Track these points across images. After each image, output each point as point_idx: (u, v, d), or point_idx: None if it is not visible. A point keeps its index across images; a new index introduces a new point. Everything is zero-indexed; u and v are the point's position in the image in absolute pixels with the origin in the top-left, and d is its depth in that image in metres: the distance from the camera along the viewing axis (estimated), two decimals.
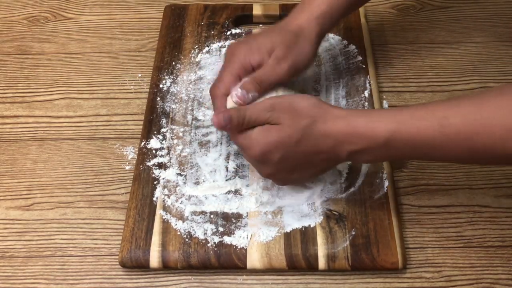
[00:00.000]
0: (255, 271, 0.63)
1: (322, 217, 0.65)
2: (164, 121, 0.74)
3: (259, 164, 0.61)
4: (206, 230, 0.64)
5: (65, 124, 0.77)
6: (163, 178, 0.69)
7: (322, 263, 0.62)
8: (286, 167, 0.60)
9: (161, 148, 0.72)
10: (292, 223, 0.65)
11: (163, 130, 0.74)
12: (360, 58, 0.81)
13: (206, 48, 0.83)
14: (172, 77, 0.79)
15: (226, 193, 0.68)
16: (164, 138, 0.73)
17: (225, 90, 0.64)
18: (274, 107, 0.59)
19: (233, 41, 0.84)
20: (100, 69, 0.83)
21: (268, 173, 0.62)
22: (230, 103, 0.63)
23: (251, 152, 0.60)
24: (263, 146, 0.59)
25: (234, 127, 0.60)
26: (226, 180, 0.69)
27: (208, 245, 0.63)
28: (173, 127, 0.74)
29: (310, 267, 0.62)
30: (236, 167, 0.70)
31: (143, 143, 0.72)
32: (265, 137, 0.59)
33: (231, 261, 0.62)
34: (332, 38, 0.83)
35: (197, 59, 0.82)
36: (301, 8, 0.68)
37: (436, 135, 0.53)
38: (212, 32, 0.85)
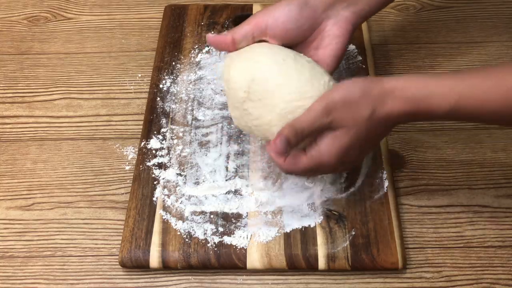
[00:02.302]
0: (255, 271, 0.63)
1: (322, 217, 0.65)
2: (164, 121, 0.75)
3: (336, 169, 0.60)
4: (206, 230, 0.64)
5: (65, 124, 0.77)
6: (163, 178, 0.69)
7: (322, 263, 0.62)
8: (361, 154, 0.60)
9: (161, 148, 0.72)
10: (292, 223, 0.65)
11: (163, 130, 0.74)
12: (360, 58, 0.81)
13: (206, 48, 0.83)
14: (172, 77, 0.79)
15: (226, 193, 0.68)
16: (164, 138, 0.73)
17: (230, 37, 0.63)
18: (330, 111, 0.55)
19: None
20: (100, 69, 0.83)
21: (345, 168, 0.63)
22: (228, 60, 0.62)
23: (327, 167, 0.58)
24: (338, 155, 0.57)
25: (293, 146, 0.57)
26: (226, 180, 0.69)
27: (208, 245, 0.63)
28: (173, 127, 0.74)
29: (310, 267, 0.62)
30: (236, 167, 0.70)
31: (143, 143, 0.72)
32: (337, 146, 0.56)
33: (231, 261, 0.62)
34: None
35: (197, 59, 0.82)
36: None
37: (502, 106, 0.52)
38: (212, 32, 0.85)
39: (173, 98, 0.77)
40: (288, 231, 0.64)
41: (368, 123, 0.55)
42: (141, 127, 0.75)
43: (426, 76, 0.56)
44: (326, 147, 0.57)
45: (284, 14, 0.62)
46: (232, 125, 0.74)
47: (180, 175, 0.69)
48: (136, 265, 0.63)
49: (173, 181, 0.69)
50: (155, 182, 0.69)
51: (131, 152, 0.74)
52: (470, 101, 0.53)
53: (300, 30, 0.64)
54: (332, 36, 0.64)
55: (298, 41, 0.65)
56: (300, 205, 0.66)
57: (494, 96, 0.53)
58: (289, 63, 0.60)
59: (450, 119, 0.56)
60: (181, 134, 0.73)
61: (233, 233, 0.64)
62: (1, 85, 0.82)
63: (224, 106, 0.76)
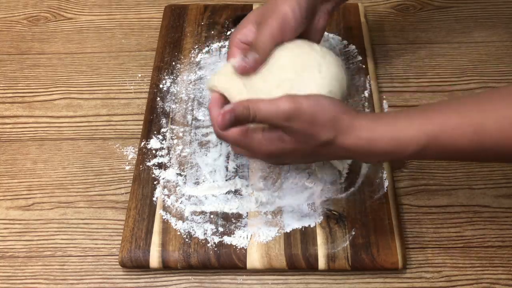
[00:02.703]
0: (255, 271, 0.63)
1: (322, 217, 0.65)
2: (164, 121, 0.75)
3: (265, 161, 0.60)
4: (206, 230, 0.64)
5: (65, 124, 0.77)
6: (163, 178, 0.69)
7: (322, 263, 0.62)
8: (292, 162, 0.60)
9: (161, 148, 0.72)
10: (292, 223, 0.65)
11: (163, 130, 0.74)
12: (360, 58, 0.81)
13: (206, 48, 0.83)
14: (172, 77, 0.79)
15: (226, 193, 0.68)
16: (164, 138, 0.73)
17: (240, 35, 0.62)
18: (292, 118, 0.52)
19: None
20: (100, 69, 0.83)
21: (274, 164, 0.61)
22: (230, 69, 0.60)
23: (258, 155, 0.57)
24: (273, 153, 0.55)
25: (239, 124, 0.55)
26: (226, 180, 0.69)
27: (208, 245, 0.63)
28: (173, 127, 0.74)
29: (310, 267, 0.62)
30: (236, 167, 0.70)
31: (143, 143, 0.72)
32: (277, 146, 0.55)
33: (231, 261, 0.62)
34: (332, 38, 0.83)
35: (197, 59, 0.82)
36: None
37: (471, 145, 0.51)
38: (212, 32, 0.85)
39: (173, 98, 0.77)
40: (288, 231, 0.64)
41: (320, 147, 0.54)
42: (141, 127, 0.75)
43: (395, 116, 0.54)
44: (267, 142, 0.55)
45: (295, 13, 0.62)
46: None
47: (180, 175, 0.69)
48: (136, 265, 0.63)
49: (173, 181, 0.69)
50: (155, 182, 0.69)
51: (131, 152, 0.74)
52: (440, 141, 0.51)
53: (306, 25, 0.64)
54: (318, 28, 0.65)
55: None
56: (300, 205, 0.66)
57: (464, 134, 0.51)
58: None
59: (419, 158, 0.55)
60: (181, 134, 0.73)
61: (233, 233, 0.64)
62: (1, 85, 0.82)
63: None
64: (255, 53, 0.59)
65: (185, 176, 0.69)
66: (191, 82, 0.79)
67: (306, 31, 0.64)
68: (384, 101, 0.77)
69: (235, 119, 0.53)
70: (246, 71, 0.59)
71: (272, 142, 0.55)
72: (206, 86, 0.62)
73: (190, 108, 0.76)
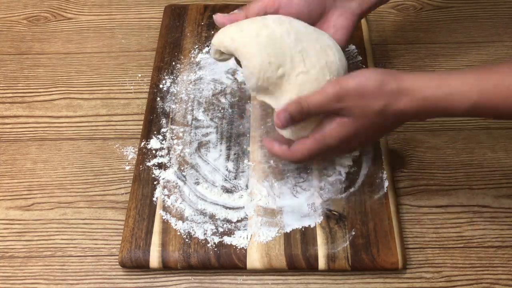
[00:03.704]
0: (255, 271, 0.63)
1: (322, 217, 0.65)
2: (164, 121, 0.74)
3: (335, 154, 0.61)
4: (206, 230, 0.64)
5: (65, 124, 0.77)
6: (163, 178, 0.69)
7: (322, 263, 0.62)
8: (362, 144, 0.60)
9: (161, 148, 0.72)
10: (292, 223, 0.65)
11: (163, 130, 0.74)
12: (360, 58, 0.81)
13: (206, 48, 0.83)
14: (172, 77, 0.79)
15: (226, 193, 0.68)
16: (164, 138, 0.73)
17: (243, 16, 0.62)
18: (342, 97, 0.54)
19: None
20: (100, 69, 0.83)
21: (342, 155, 0.62)
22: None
23: (328, 151, 0.58)
24: (339, 140, 0.56)
25: (297, 123, 0.57)
26: (226, 180, 0.69)
27: (208, 245, 0.63)
28: (173, 127, 0.74)
29: (310, 267, 0.62)
30: (236, 167, 0.70)
31: (143, 143, 0.72)
32: (340, 132, 0.56)
33: (231, 261, 0.62)
34: None
35: (197, 59, 0.82)
36: None
37: None
38: (212, 32, 0.85)
39: (173, 98, 0.77)
40: (288, 231, 0.64)
41: (377, 117, 0.54)
42: (141, 127, 0.75)
43: (445, 74, 0.54)
44: (331, 132, 0.56)
45: None
46: (232, 125, 0.74)
47: (180, 175, 0.69)
48: (136, 265, 0.63)
49: (173, 181, 0.69)
50: (155, 182, 0.69)
51: (131, 152, 0.74)
52: (492, 99, 0.52)
53: (310, 15, 0.63)
54: (337, 27, 0.64)
55: None
56: (300, 205, 0.66)
57: None
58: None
59: (469, 116, 0.54)
60: (181, 134, 0.73)
61: (233, 233, 0.64)
62: (1, 85, 0.82)
63: (224, 106, 0.76)
64: (244, 12, 0.60)
65: (185, 176, 0.69)
66: (191, 82, 0.79)
67: (322, 27, 0.64)
68: None
69: (290, 116, 0.55)
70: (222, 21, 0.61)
71: (335, 131, 0.56)
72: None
73: (190, 108, 0.76)
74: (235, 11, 0.63)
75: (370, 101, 0.54)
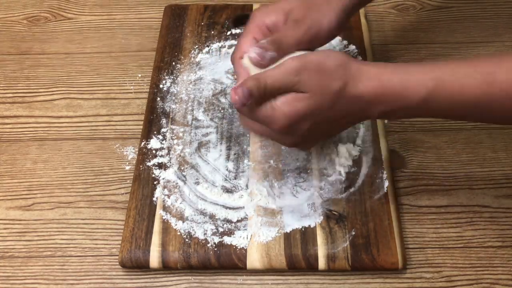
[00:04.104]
0: (255, 271, 0.63)
1: (322, 217, 0.65)
2: (164, 121, 0.75)
3: (283, 135, 0.57)
4: (206, 230, 0.64)
5: (65, 124, 0.77)
6: (163, 178, 0.69)
7: (322, 263, 0.62)
8: (314, 134, 0.56)
9: (161, 148, 0.72)
10: (292, 223, 0.65)
11: (163, 130, 0.74)
12: (360, 58, 0.81)
13: (206, 48, 0.83)
14: (172, 77, 0.79)
15: (226, 193, 0.68)
16: (164, 138, 0.73)
17: (242, 54, 0.59)
18: (300, 71, 0.52)
19: (233, 41, 0.84)
20: (100, 69, 0.83)
21: (293, 143, 0.58)
22: (247, 62, 0.57)
23: (275, 125, 0.54)
24: (290, 117, 0.53)
25: (255, 100, 0.53)
26: (226, 180, 0.69)
27: (208, 245, 0.63)
28: (173, 127, 0.74)
29: (310, 267, 0.62)
30: (236, 167, 0.70)
31: (143, 143, 0.72)
32: (293, 107, 0.53)
33: (231, 261, 0.62)
34: None
35: (197, 59, 0.82)
36: None
37: (481, 94, 0.49)
38: (212, 32, 0.85)
39: (173, 98, 0.77)
40: (288, 231, 0.64)
41: (334, 98, 0.52)
42: (141, 127, 0.75)
43: (405, 63, 0.54)
44: (282, 104, 0.53)
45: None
46: (232, 125, 0.74)
47: (180, 175, 0.69)
48: (136, 265, 0.63)
49: (173, 181, 0.69)
50: (155, 182, 0.69)
51: (131, 152, 0.74)
52: (448, 87, 0.50)
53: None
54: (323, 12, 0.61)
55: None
56: (300, 205, 0.66)
57: (473, 82, 0.50)
58: None
59: (425, 110, 0.52)
60: (181, 134, 0.73)
61: (233, 233, 0.64)
62: (1, 85, 0.82)
63: (224, 106, 0.76)
64: (275, 53, 0.57)
65: (185, 176, 0.69)
66: (191, 82, 0.79)
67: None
68: None
69: (248, 91, 0.52)
70: (259, 66, 0.57)
71: (288, 103, 0.53)
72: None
73: (190, 108, 0.76)
74: (234, 51, 0.60)
75: (328, 79, 0.52)
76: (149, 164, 0.70)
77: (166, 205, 0.67)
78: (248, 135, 0.72)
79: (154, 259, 0.63)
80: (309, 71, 0.52)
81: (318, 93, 0.52)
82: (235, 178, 0.69)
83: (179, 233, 0.64)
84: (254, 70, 0.57)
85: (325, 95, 0.52)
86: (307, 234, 0.64)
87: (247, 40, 0.59)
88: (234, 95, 0.53)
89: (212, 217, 0.66)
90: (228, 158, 0.71)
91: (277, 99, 0.53)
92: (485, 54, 0.52)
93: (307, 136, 0.56)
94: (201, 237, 0.64)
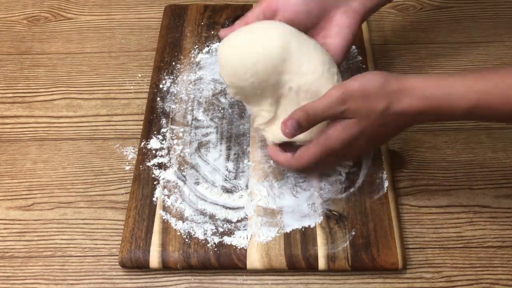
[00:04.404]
0: (255, 272, 0.63)
1: (322, 217, 0.65)
2: (164, 121, 0.75)
3: (343, 157, 0.61)
4: (206, 231, 0.64)
5: (65, 124, 0.77)
6: (163, 178, 0.69)
7: (322, 263, 0.62)
8: (368, 147, 0.60)
9: (161, 148, 0.72)
10: (292, 223, 0.65)
11: (163, 130, 0.74)
12: (360, 58, 0.81)
13: (206, 48, 0.83)
14: (172, 77, 0.79)
15: (226, 193, 0.68)
16: (164, 138, 0.73)
17: (247, 22, 0.63)
18: (346, 99, 0.55)
19: None
20: (100, 69, 0.83)
21: (351, 158, 0.62)
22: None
23: (333, 155, 0.58)
24: (344, 142, 0.57)
25: (304, 130, 0.57)
26: (226, 180, 0.69)
27: (208, 245, 0.63)
28: (173, 127, 0.74)
29: (310, 267, 0.62)
30: (236, 167, 0.70)
31: (143, 143, 0.72)
32: (345, 133, 0.56)
33: (231, 262, 0.62)
34: None
35: (197, 59, 0.82)
36: None
37: None
38: (212, 32, 0.85)
39: (173, 98, 0.77)
40: (288, 231, 0.64)
41: (381, 118, 0.55)
42: (141, 127, 0.75)
43: (445, 75, 0.55)
44: (335, 133, 0.57)
45: None
46: (232, 125, 0.74)
47: (180, 175, 0.69)
48: (136, 265, 0.63)
49: (173, 181, 0.69)
50: (155, 182, 0.69)
51: (131, 152, 0.74)
52: (491, 100, 0.52)
53: (309, 15, 0.64)
54: (341, 25, 0.64)
55: (307, 27, 0.64)
56: (300, 205, 0.66)
57: None
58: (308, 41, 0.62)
59: (469, 118, 0.55)
60: (181, 134, 0.73)
61: (233, 233, 0.64)
62: (1, 85, 0.82)
63: (224, 106, 0.76)
64: (244, 21, 0.63)
65: (185, 176, 0.69)
66: (191, 82, 0.79)
67: (325, 26, 0.64)
68: None
69: (298, 124, 0.56)
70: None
71: (339, 133, 0.56)
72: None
73: (190, 108, 0.76)
74: (237, 22, 0.65)
75: (373, 101, 0.54)
76: (149, 164, 0.70)
77: (166, 205, 0.67)
78: (248, 135, 0.72)
79: (154, 259, 0.63)
80: (354, 99, 0.55)
81: (365, 117, 0.55)
82: (235, 178, 0.69)
83: (179, 233, 0.64)
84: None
85: (372, 116, 0.55)
86: (307, 234, 0.64)
87: (255, 12, 0.63)
88: (284, 128, 0.57)
89: (212, 217, 0.66)
90: (228, 158, 0.71)
91: (327, 131, 0.57)
92: None
93: (362, 150, 0.60)
94: (201, 237, 0.64)
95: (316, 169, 0.65)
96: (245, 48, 0.61)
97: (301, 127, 0.57)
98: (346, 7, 0.65)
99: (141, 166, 0.70)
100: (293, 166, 0.62)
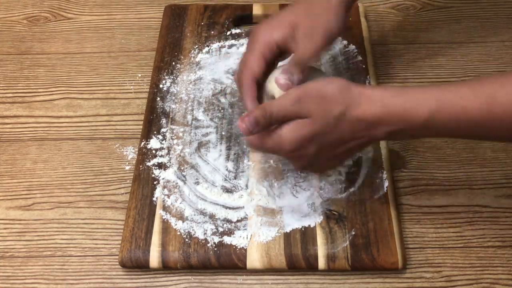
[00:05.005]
0: (255, 271, 0.63)
1: (322, 217, 0.65)
2: (164, 121, 0.75)
3: (291, 160, 0.60)
4: (206, 230, 0.64)
5: (65, 124, 0.77)
6: (163, 178, 0.69)
7: (322, 263, 0.62)
8: (322, 157, 0.58)
9: (161, 148, 0.72)
10: (292, 223, 0.65)
11: (163, 130, 0.74)
12: (360, 58, 0.81)
13: (206, 48, 0.83)
14: (172, 77, 0.79)
15: (226, 193, 0.68)
16: (164, 138, 0.73)
17: (252, 74, 0.60)
18: (301, 99, 0.54)
19: (232, 41, 0.84)
20: (100, 69, 0.83)
21: (302, 166, 0.60)
22: (276, 89, 0.59)
23: (282, 152, 0.57)
24: (296, 142, 0.55)
25: (261, 129, 0.56)
26: (226, 180, 0.69)
27: (208, 245, 0.63)
28: (173, 127, 0.74)
29: (310, 267, 0.62)
30: (236, 167, 0.70)
31: (143, 143, 0.72)
32: (297, 132, 0.55)
33: (231, 261, 0.62)
34: None
35: (197, 59, 0.82)
36: None
37: (482, 115, 0.51)
38: (212, 32, 0.85)
39: (173, 98, 0.77)
40: (288, 231, 0.64)
41: (336, 121, 0.54)
42: (141, 127, 0.75)
43: (407, 87, 0.56)
44: (287, 131, 0.55)
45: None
46: (232, 125, 0.74)
47: (180, 175, 0.69)
48: (136, 265, 0.63)
49: (173, 181, 0.69)
50: (155, 182, 0.69)
51: (131, 152, 0.74)
52: (449, 108, 0.51)
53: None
54: (326, 18, 0.62)
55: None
56: (300, 205, 0.66)
57: (475, 103, 0.51)
58: None
59: (429, 131, 0.54)
60: (181, 134, 0.73)
61: (233, 233, 0.64)
62: (1, 85, 0.82)
63: (224, 106, 0.76)
64: (300, 75, 0.59)
65: (185, 176, 0.69)
66: (191, 82, 0.79)
67: (313, 24, 0.62)
68: None
69: (255, 120, 0.55)
70: (286, 90, 0.59)
71: (292, 130, 0.55)
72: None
73: (190, 108, 0.76)
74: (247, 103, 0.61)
75: (330, 104, 0.54)
76: (149, 164, 0.70)
77: (166, 205, 0.67)
78: None
79: (154, 259, 0.63)
80: (310, 98, 0.54)
81: (320, 118, 0.54)
82: (235, 178, 0.69)
83: (179, 233, 0.64)
84: (279, 94, 0.59)
85: (327, 119, 0.54)
86: (307, 234, 0.64)
87: (255, 57, 0.60)
88: (242, 123, 0.56)
89: (212, 217, 0.66)
90: (228, 158, 0.71)
91: (282, 127, 0.56)
92: (486, 76, 0.54)
93: (314, 160, 0.58)
94: (201, 237, 0.64)
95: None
96: None
97: (258, 123, 0.55)
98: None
99: (141, 166, 0.70)
100: (253, 145, 0.59)
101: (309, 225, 0.65)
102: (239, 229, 0.64)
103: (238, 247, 0.63)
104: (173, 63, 0.81)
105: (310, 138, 0.55)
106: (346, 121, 0.54)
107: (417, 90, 0.54)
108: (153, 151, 0.71)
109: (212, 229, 0.64)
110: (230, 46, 0.83)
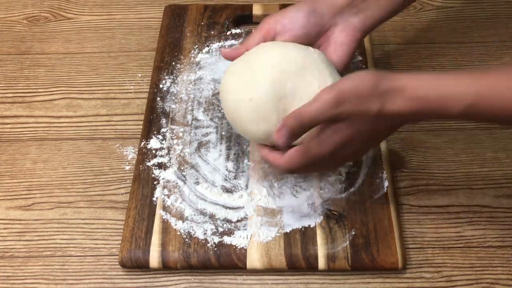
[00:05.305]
0: (255, 271, 0.63)
1: (322, 217, 0.65)
2: (164, 121, 0.75)
3: (327, 163, 0.59)
4: (206, 230, 0.64)
5: (65, 124, 0.77)
6: (163, 178, 0.69)
7: (322, 263, 0.62)
8: (358, 154, 0.59)
9: (161, 148, 0.72)
10: (292, 223, 0.65)
11: (163, 130, 0.74)
12: (360, 58, 0.81)
13: (206, 48, 0.83)
14: (172, 77, 0.79)
15: (226, 193, 0.68)
16: (164, 138, 0.73)
17: (244, 49, 0.64)
18: (339, 103, 0.52)
19: (233, 41, 0.84)
20: (100, 69, 0.83)
21: (339, 165, 0.61)
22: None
23: (323, 159, 0.56)
24: (336, 147, 0.55)
25: (298, 137, 0.56)
26: (226, 180, 0.69)
27: (208, 245, 0.63)
28: (173, 127, 0.74)
29: (310, 267, 0.62)
30: (236, 167, 0.70)
31: (143, 143, 0.72)
32: (337, 138, 0.54)
33: (231, 261, 0.62)
34: None
35: (197, 59, 0.82)
36: None
37: None
38: (212, 32, 0.85)
39: (173, 98, 0.77)
40: (288, 231, 0.64)
41: (374, 120, 0.53)
42: (141, 127, 0.75)
43: (441, 74, 0.53)
44: (328, 138, 0.55)
45: (292, 21, 0.63)
46: None
47: (180, 175, 0.69)
48: (136, 265, 0.63)
49: (173, 181, 0.69)
50: (155, 182, 0.69)
51: (131, 152, 0.74)
52: (488, 101, 0.50)
53: (308, 36, 0.64)
54: (338, 43, 0.64)
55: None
56: (300, 205, 0.66)
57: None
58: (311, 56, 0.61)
59: (465, 119, 0.53)
60: (181, 134, 0.73)
61: (233, 233, 0.64)
62: (1, 85, 0.82)
63: None
64: (245, 47, 0.64)
65: (185, 176, 0.69)
66: (191, 82, 0.79)
67: (323, 44, 0.65)
68: None
69: (291, 131, 0.54)
70: (233, 58, 0.64)
71: (330, 137, 0.55)
72: None
73: (190, 108, 0.76)
74: (236, 45, 0.67)
75: (367, 103, 0.52)
76: (149, 164, 0.70)
77: (166, 205, 0.67)
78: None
79: (154, 259, 0.63)
80: (348, 101, 0.52)
81: (358, 120, 0.53)
82: (235, 178, 0.69)
83: (179, 233, 0.64)
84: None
85: (365, 120, 0.53)
86: (307, 234, 0.64)
87: (255, 38, 0.64)
88: (278, 138, 0.55)
89: (212, 217, 0.66)
90: (228, 158, 0.71)
91: (319, 137, 0.55)
92: None
93: (354, 154, 0.58)
94: (201, 237, 0.64)
95: (305, 171, 0.64)
96: (239, 94, 0.60)
97: (294, 135, 0.55)
98: (344, 25, 0.64)
99: (141, 166, 0.70)
100: (281, 167, 0.59)
101: (309, 225, 0.65)
102: (239, 229, 0.64)
103: (238, 247, 0.63)
104: (173, 63, 0.81)
105: (350, 140, 0.55)
106: (383, 117, 0.53)
107: (453, 82, 0.52)
108: (153, 151, 0.71)
109: (212, 229, 0.64)
110: (230, 46, 0.83)
